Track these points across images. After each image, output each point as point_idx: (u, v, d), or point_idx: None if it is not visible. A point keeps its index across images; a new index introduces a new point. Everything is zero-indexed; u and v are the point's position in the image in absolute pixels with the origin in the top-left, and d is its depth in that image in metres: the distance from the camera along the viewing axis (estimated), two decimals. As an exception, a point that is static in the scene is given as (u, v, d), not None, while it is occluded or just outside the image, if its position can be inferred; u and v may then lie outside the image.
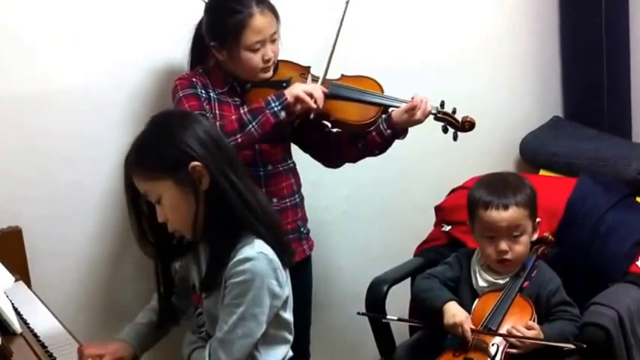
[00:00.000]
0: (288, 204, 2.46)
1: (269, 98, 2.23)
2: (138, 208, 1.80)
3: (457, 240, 2.66)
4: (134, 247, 1.88)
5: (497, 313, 2.23)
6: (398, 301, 2.59)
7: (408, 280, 2.60)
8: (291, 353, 1.89)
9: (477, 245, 2.37)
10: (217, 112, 2.33)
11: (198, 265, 1.87)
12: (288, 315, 1.85)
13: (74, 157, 2.48)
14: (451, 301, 2.27)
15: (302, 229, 2.51)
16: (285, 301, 1.81)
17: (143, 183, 1.75)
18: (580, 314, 2.27)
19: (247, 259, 1.71)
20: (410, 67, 3.03)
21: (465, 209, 2.37)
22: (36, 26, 2.37)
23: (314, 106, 2.24)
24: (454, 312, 2.23)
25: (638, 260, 2.45)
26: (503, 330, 2.19)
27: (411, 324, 2.56)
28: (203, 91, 2.33)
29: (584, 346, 2.14)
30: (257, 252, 1.73)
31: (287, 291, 1.82)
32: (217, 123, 2.18)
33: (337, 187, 2.96)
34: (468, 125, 2.37)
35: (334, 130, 2.47)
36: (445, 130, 2.39)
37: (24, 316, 2.03)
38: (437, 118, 2.38)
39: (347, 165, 2.55)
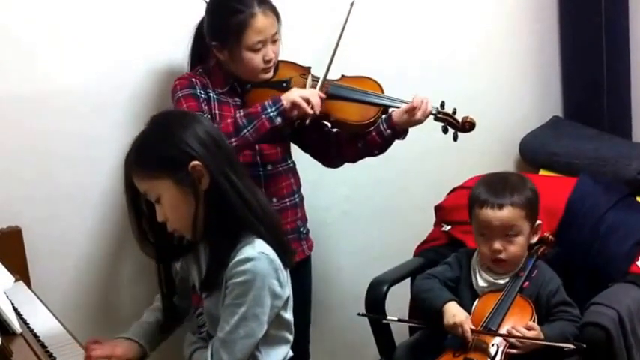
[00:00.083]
0: (288, 204, 2.46)
1: (265, 103, 2.22)
2: (138, 208, 1.81)
3: (457, 240, 2.66)
4: (134, 247, 1.89)
5: (497, 313, 2.22)
6: (398, 301, 2.59)
7: (408, 280, 2.60)
8: (291, 353, 1.89)
9: (477, 245, 2.37)
10: (217, 112, 2.33)
11: (199, 265, 1.87)
12: (289, 315, 1.85)
13: (74, 158, 2.48)
14: (451, 301, 2.27)
15: (301, 229, 2.51)
16: (286, 301, 1.82)
17: (143, 183, 1.75)
18: (580, 314, 2.27)
19: (248, 259, 1.71)
20: (410, 67, 3.03)
21: (465, 209, 2.37)
22: (36, 26, 2.37)
23: (310, 112, 2.24)
24: (454, 312, 2.23)
25: (638, 260, 2.45)
26: (503, 330, 2.19)
27: (411, 324, 2.56)
28: (202, 91, 2.33)
29: (584, 346, 2.14)
30: (258, 252, 1.73)
31: (288, 291, 1.82)
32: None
33: (337, 187, 2.96)
34: (468, 126, 2.37)
35: (334, 130, 2.47)
36: (445, 131, 2.39)
37: (24, 316, 2.03)
38: (437, 119, 2.38)
39: (347, 165, 2.55)
